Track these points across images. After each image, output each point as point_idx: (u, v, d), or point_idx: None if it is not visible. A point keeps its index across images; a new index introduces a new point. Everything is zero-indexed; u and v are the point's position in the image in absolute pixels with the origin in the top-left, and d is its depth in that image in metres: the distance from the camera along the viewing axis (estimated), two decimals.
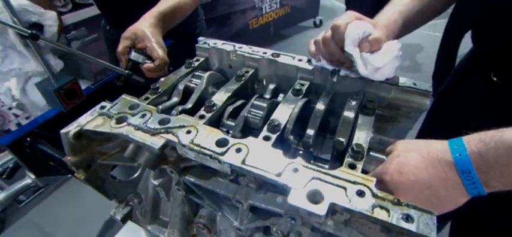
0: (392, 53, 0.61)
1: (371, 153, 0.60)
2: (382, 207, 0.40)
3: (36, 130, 0.77)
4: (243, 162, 0.47)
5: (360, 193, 0.42)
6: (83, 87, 0.90)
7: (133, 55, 0.84)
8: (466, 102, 0.64)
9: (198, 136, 0.52)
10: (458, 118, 0.65)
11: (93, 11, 1.90)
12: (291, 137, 0.59)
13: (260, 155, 0.48)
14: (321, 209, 0.39)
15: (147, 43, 0.84)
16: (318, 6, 4.10)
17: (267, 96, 0.72)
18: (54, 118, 0.81)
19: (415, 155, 0.51)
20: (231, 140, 0.51)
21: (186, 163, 0.58)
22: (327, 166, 0.59)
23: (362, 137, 0.55)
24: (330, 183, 0.43)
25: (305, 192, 0.42)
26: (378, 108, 0.69)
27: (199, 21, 1.44)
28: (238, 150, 0.49)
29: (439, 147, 0.49)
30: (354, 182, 0.43)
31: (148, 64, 0.83)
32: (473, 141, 0.46)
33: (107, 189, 0.68)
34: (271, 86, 0.75)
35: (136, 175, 0.73)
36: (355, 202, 0.40)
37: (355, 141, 0.53)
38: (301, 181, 0.43)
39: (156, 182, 0.69)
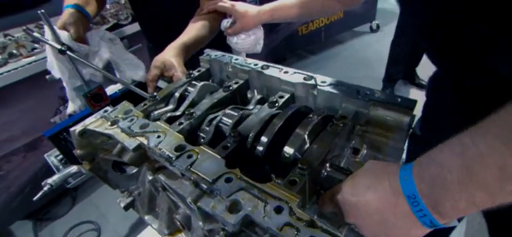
0: (248, 38, 1.08)
1: (335, 170, 0.58)
2: (292, 227, 0.40)
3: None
4: (189, 167, 0.52)
5: (278, 209, 0.42)
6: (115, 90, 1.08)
7: (160, 83, 0.97)
8: (442, 111, 0.61)
9: (164, 140, 0.59)
10: (436, 130, 0.62)
11: None
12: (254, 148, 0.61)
13: (206, 162, 0.52)
14: (233, 219, 0.42)
15: (174, 73, 0.95)
16: (374, 10, 3.87)
17: (251, 107, 0.75)
18: (85, 117, 0.98)
19: (370, 177, 0.49)
20: (188, 147, 0.56)
21: (159, 163, 0.65)
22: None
23: (315, 152, 0.54)
24: (255, 196, 0.45)
25: (227, 200, 0.44)
26: (360, 124, 0.67)
27: None
28: (189, 156, 0.54)
29: (394, 169, 0.46)
30: (277, 198, 0.44)
31: None
32: (416, 163, 0.43)
33: (109, 179, 0.80)
34: (257, 97, 0.78)
35: (135, 170, 0.83)
36: (268, 218, 0.41)
37: (305, 156, 0.53)
38: (229, 190, 0.46)
39: (150, 178, 0.79)
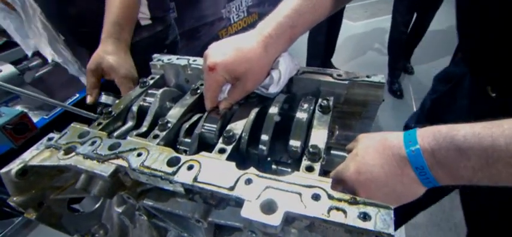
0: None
1: (332, 152, 0.60)
2: (338, 209, 0.39)
3: None
4: (195, 179, 0.45)
5: (315, 197, 0.40)
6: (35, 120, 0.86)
7: (104, 98, 0.80)
8: (459, 115, 0.60)
9: (149, 157, 0.50)
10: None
11: None
12: (249, 146, 0.58)
13: (213, 170, 0.46)
14: (275, 220, 0.38)
15: (114, 78, 0.79)
16: None
17: None
18: (4, 156, 0.76)
19: (372, 152, 0.51)
20: (183, 158, 0.49)
21: (142, 186, 0.55)
22: (289, 170, 0.58)
23: (318, 137, 0.54)
24: (285, 190, 0.42)
25: (258, 203, 0.40)
26: (336, 105, 0.70)
27: (171, 31, 1.46)
28: (190, 167, 0.47)
29: (395, 142, 0.49)
30: (309, 186, 0.42)
31: None
32: (426, 137, 0.46)
33: (65, 225, 0.64)
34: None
35: (98, 205, 0.69)
36: (310, 207, 0.39)
37: (311, 142, 0.53)
38: (254, 192, 0.42)
39: (119, 210, 0.66)
